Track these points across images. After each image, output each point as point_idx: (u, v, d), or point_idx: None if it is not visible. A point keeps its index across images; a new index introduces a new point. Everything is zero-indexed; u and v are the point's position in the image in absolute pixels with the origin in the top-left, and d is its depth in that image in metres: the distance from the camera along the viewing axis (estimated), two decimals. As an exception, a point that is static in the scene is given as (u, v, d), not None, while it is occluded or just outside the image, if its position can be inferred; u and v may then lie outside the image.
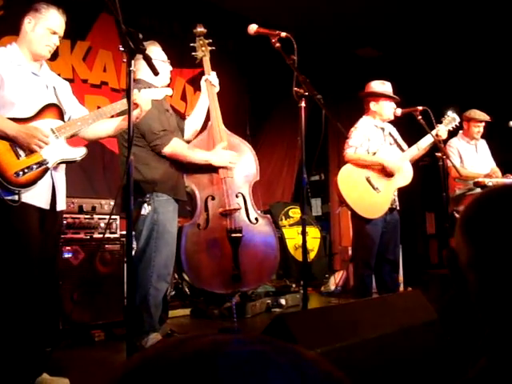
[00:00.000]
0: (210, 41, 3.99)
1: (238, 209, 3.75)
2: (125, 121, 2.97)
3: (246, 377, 0.42)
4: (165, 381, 0.43)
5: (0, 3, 5.02)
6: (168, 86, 3.78)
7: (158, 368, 0.44)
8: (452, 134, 4.88)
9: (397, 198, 4.46)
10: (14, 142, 2.65)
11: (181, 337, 0.49)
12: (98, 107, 5.68)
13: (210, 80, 3.91)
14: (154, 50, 3.64)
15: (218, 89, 3.95)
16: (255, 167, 3.99)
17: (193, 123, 3.97)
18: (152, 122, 3.48)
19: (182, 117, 4.17)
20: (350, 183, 4.29)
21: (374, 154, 4.37)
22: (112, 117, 3.03)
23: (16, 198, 2.62)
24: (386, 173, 4.31)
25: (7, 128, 2.63)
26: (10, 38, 4.46)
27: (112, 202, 4.38)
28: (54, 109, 2.86)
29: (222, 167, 3.76)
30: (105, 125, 3.03)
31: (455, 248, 0.89)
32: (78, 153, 2.92)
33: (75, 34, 5.49)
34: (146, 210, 3.50)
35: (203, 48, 3.97)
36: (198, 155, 3.71)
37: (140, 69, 3.64)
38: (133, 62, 2.27)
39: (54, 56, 2.96)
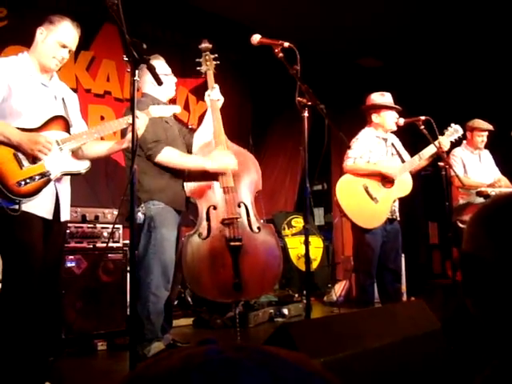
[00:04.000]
0: (216, 56, 4.00)
1: (238, 218, 3.73)
2: (118, 144, 3.01)
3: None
4: None
5: (4, 13, 5.07)
6: (172, 97, 3.77)
7: None
8: (455, 144, 4.87)
9: (397, 209, 4.42)
10: (18, 150, 2.65)
11: (157, 356, 0.52)
12: (102, 117, 5.75)
13: (212, 97, 3.91)
14: (158, 64, 3.65)
15: (222, 100, 3.93)
16: (257, 176, 3.97)
17: (200, 137, 3.96)
18: (146, 134, 3.49)
19: (187, 129, 4.16)
20: (348, 193, 4.29)
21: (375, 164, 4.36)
22: (103, 139, 3.02)
23: (16, 207, 2.62)
24: (386, 181, 4.30)
25: (11, 134, 2.64)
26: (14, 48, 4.51)
27: (115, 212, 4.39)
28: (61, 121, 2.86)
29: (222, 174, 3.74)
30: (97, 146, 3.03)
31: (474, 252, 0.88)
32: (82, 165, 2.92)
33: (79, 44, 5.49)
34: (140, 219, 3.49)
35: (208, 63, 3.98)
36: (191, 161, 3.69)
37: (145, 83, 3.66)
38: (137, 71, 2.28)
39: (58, 66, 2.96)
